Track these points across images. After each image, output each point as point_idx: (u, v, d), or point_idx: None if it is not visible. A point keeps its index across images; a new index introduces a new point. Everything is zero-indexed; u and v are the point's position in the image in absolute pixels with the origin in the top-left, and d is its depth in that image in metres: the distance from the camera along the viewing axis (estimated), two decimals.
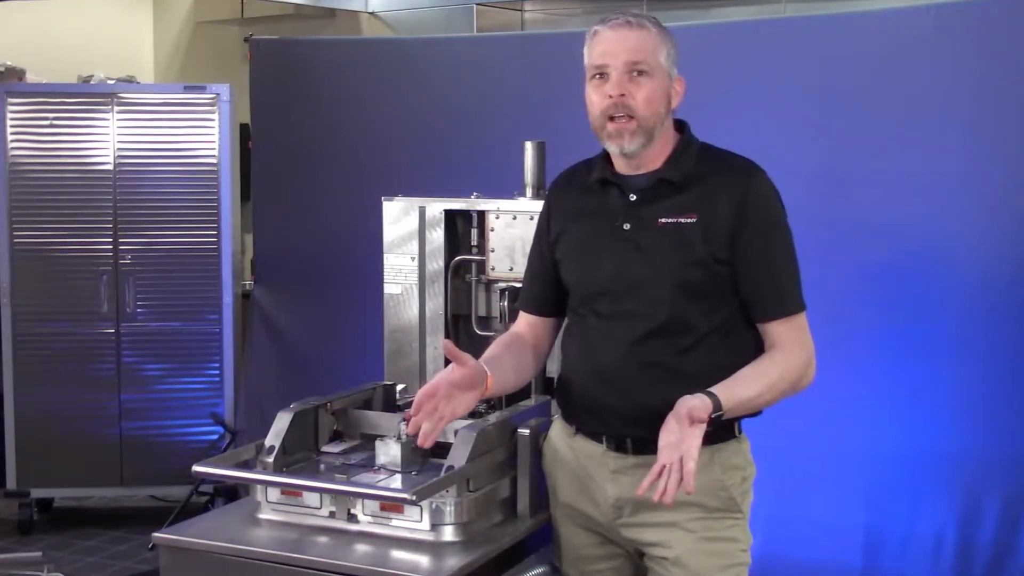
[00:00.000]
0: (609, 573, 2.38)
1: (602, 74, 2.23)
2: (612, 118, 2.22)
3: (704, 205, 2.22)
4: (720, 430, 2.25)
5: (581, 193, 2.37)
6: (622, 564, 2.37)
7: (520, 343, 2.44)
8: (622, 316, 2.25)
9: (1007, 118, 3.63)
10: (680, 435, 2.06)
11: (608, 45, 2.22)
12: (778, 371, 2.22)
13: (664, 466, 2.04)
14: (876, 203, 3.81)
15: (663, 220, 2.23)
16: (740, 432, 2.31)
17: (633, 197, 2.27)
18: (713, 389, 2.15)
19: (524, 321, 2.49)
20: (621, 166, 2.30)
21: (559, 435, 2.41)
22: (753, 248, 2.21)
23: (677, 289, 2.21)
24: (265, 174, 5.19)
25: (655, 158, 2.28)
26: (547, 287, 2.43)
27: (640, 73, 2.21)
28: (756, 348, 2.26)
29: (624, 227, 2.26)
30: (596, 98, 2.24)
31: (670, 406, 2.15)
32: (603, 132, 2.25)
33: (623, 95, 2.20)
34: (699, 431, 2.08)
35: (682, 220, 2.22)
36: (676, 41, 2.29)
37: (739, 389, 2.18)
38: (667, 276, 2.22)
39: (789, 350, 2.24)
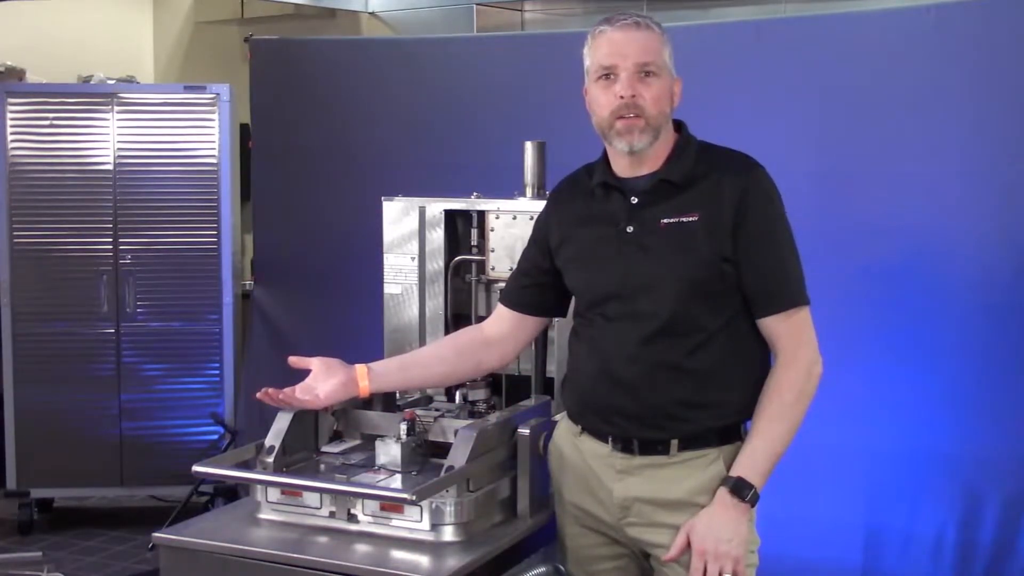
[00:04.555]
0: (614, 573, 2.38)
1: (609, 75, 2.23)
2: (621, 116, 2.22)
3: (705, 203, 2.22)
4: (725, 432, 2.26)
5: (583, 199, 2.37)
6: (627, 564, 2.37)
7: (468, 338, 2.50)
8: (630, 317, 2.25)
9: (1007, 118, 3.63)
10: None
11: (616, 46, 2.22)
12: (788, 402, 2.22)
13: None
14: (876, 203, 3.81)
15: (665, 221, 2.23)
16: (745, 433, 2.30)
17: (635, 200, 2.27)
18: (739, 468, 2.20)
19: (494, 317, 2.52)
20: (622, 168, 2.30)
21: (564, 435, 2.40)
22: (753, 244, 2.21)
23: (683, 288, 2.21)
24: (265, 174, 5.19)
25: (656, 158, 2.28)
26: (533, 286, 2.45)
27: (648, 74, 2.21)
28: (765, 345, 2.26)
29: (628, 230, 2.26)
30: (604, 99, 2.23)
31: (679, 406, 2.19)
32: (611, 131, 2.24)
33: (634, 96, 2.20)
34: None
35: (684, 220, 2.22)
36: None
37: (765, 456, 2.22)
38: (673, 276, 2.22)
39: (790, 361, 2.22)
